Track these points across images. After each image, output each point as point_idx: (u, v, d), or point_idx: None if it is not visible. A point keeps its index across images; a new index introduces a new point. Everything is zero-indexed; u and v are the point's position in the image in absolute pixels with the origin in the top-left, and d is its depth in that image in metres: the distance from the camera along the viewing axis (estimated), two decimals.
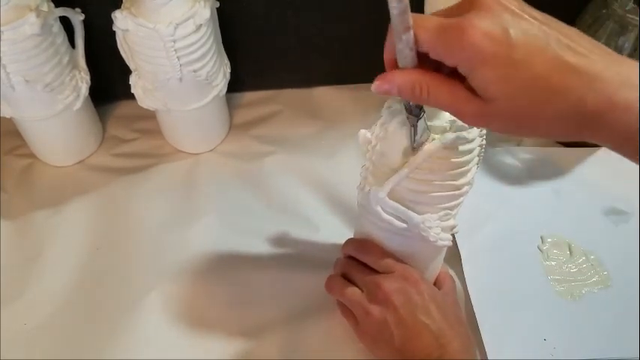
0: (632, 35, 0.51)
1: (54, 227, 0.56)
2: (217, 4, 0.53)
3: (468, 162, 0.37)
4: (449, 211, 0.39)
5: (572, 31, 0.28)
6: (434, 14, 0.30)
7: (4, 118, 0.55)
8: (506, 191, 0.58)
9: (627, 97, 0.26)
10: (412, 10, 0.28)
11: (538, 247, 0.53)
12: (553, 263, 0.52)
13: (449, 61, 0.28)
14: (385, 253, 0.43)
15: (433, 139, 0.35)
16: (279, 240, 0.54)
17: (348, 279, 0.44)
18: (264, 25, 0.62)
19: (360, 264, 0.44)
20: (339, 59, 0.66)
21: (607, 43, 0.49)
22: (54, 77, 0.53)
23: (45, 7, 0.50)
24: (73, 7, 0.54)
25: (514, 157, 0.61)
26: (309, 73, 0.68)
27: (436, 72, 0.30)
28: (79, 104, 0.57)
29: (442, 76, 0.29)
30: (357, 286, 0.43)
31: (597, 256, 0.52)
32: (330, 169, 0.60)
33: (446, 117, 0.36)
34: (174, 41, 0.49)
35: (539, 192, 0.58)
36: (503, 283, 0.50)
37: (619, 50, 0.52)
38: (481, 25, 0.26)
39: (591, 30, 0.53)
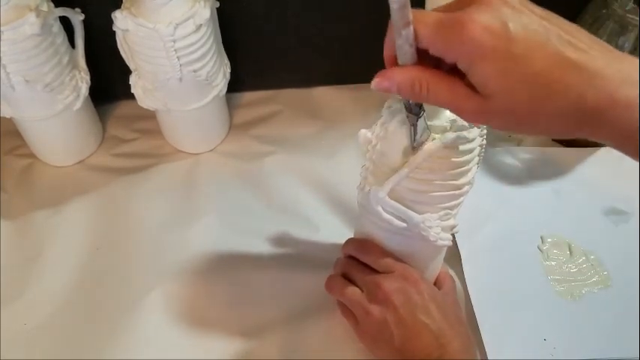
0: (632, 35, 0.51)
1: (54, 227, 0.56)
2: (217, 4, 0.53)
3: (468, 162, 0.37)
4: (449, 211, 0.39)
5: (572, 27, 0.28)
6: (434, 10, 0.30)
7: (4, 118, 0.55)
8: (506, 191, 0.58)
9: (628, 94, 0.26)
10: (412, 7, 0.28)
11: (538, 247, 0.53)
12: (553, 263, 0.52)
13: (448, 57, 0.28)
14: (385, 253, 0.43)
15: (434, 139, 0.35)
16: (279, 240, 0.54)
17: (348, 279, 0.44)
18: (264, 25, 0.62)
19: (360, 264, 0.44)
20: (339, 59, 0.66)
21: (607, 43, 0.49)
22: (54, 77, 0.53)
23: (45, 7, 0.50)
24: (73, 7, 0.54)
25: (514, 157, 0.61)
26: (309, 73, 0.68)
27: (436, 69, 0.29)
28: (79, 104, 0.57)
29: (442, 73, 0.29)
30: (357, 286, 0.43)
31: (597, 256, 0.52)
32: (330, 169, 0.60)
33: (446, 116, 0.36)
34: (174, 41, 0.49)
35: (539, 192, 0.58)
36: (503, 283, 0.50)
37: (619, 50, 0.52)
38: (481, 20, 0.26)
39: (591, 30, 0.53)
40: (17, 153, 0.62)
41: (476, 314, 0.48)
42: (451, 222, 0.40)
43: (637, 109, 0.26)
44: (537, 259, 0.52)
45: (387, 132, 0.37)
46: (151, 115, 0.60)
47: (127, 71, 0.55)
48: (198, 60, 0.52)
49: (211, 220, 0.56)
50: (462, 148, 0.35)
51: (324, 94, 0.68)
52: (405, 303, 0.40)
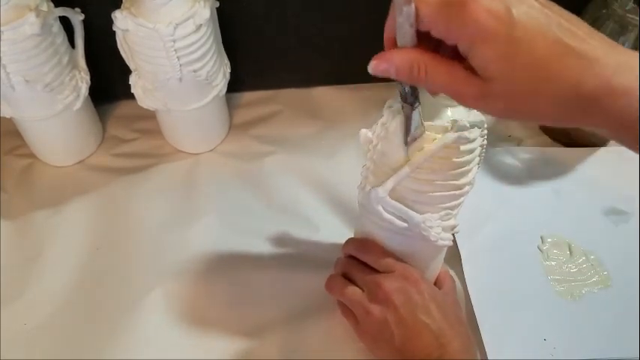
0: (632, 35, 0.51)
1: (54, 227, 0.56)
2: (217, 4, 0.53)
3: (469, 162, 0.37)
4: (450, 211, 0.39)
5: (573, 17, 0.28)
6: None
7: (4, 118, 0.55)
8: (506, 191, 0.58)
9: (625, 82, 0.26)
10: None
11: (538, 247, 0.53)
12: (553, 263, 0.52)
13: (450, 38, 0.28)
14: (386, 253, 0.43)
15: (434, 139, 0.35)
16: (279, 240, 0.54)
17: (348, 278, 0.44)
18: (264, 25, 0.62)
19: (360, 263, 0.44)
20: (339, 59, 0.66)
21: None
22: (54, 77, 0.53)
23: (45, 7, 0.50)
24: (73, 7, 0.54)
25: (514, 157, 0.61)
26: (309, 73, 0.68)
27: (436, 53, 0.29)
28: (79, 104, 0.57)
29: (441, 56, 0.29)
30: (358, 286, 0.43)
31: (597, 256, 0.52)
32: (330, 169, 0.60)
33: (447, 116, 0.36)
34: (174, 41, 0.49)
35: (539, 192, 0.58)
36: (503, 283, 0.50)
37: None
38: (484, 2, 0.26)
39: None
40: (17, 153, 0.62)
41: (476, 314, 0.48)
42: (452, 222, 0.40)
43: (633, 97, 0.26)
44: (537, 259, 0.52)
45: (387, 132, 0.37)
46: (151, 115, 0.60)
47: (127, 71, 0.55)
48: (198, 60, 0.52)
49: (211, 220, 0.56)
50: (462, 148, 0.35)
51: (324, 94, 0.68)
52: (405, 303, 0.40)
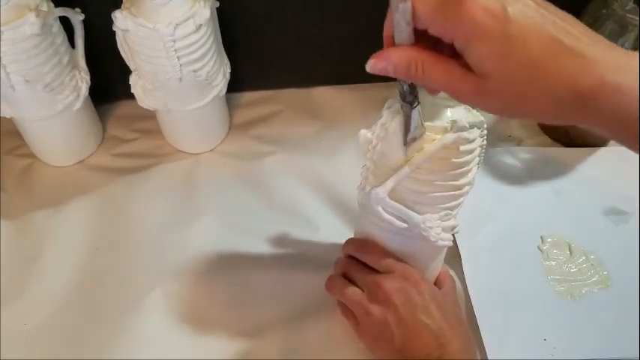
0: (632, 35, 0.51)
1: (54, 227, 0.56)
2: (217, 4, 0.53)
3: (468, 162, 0.37)
4: (449, 211, 0.39)
5: (568, 16, 0.28)
6: None
7: (4, 118, 0.55)
8: (506, 191, 0.58)
9: (620, 80, 0.26)
10: None
11: (538, 247, 0.53)
12: (553, 263, 0.52)
13: (446, 35, 0.28)
14: (386, 253, 0.43)
15: (434, 140, 0.35)
16: (279, 240, 0.54)
17: (348, 279, 0.44)
18: (264, 25, 0.62)
19: (360, 264, 0.44)
20: (339, 59, 0.66)
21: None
22: (54, 77, 0.53)
23: (45, 7, 0.50)
24: (73, 7, 0.54)
25: (514, 157, 0.61)
26: (309, 73, 0.68)
27: (433, 51, 0.29)
28: (79, 104, 0.57)
29: (438, 54, 0.29)
30: (358, 286, 0.43)
31: (597, 256, 0.52)
32: (330, 169, 0.60)
33: (447, 117, 0.36)
34: (174, 41, 0.49)
35: (539, 192, 0.58)
36: (503, 283, 0.50)
37: None
38: (480, 1, 0.26)
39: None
40: (17, 153, 0.62)
41: (476, 314, 0.48)
42: (451, 222, 0.40)
43: (628, 95, 0.26)
44: (537, 259, 0.52)
45: (387, 132, 0.37)
46: (151, 115, 0.60)
47: (127, 71, 0.55)
48: (198, 60, 0.52)
49: (211, 220, 0.56)
50: (462, 148, 0.35)
51: (324, 94, 0.68)
52: (405, 303, 0.40)
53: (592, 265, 0.52)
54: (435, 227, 0.38)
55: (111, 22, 0.50)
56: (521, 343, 0.47)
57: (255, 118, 0.66)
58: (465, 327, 0.42)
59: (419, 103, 0.34)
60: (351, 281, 0.44)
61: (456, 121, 0.35)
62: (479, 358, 0.45)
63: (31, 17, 0.48)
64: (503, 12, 0.26)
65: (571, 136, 0.61)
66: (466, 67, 0.28)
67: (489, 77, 0.27)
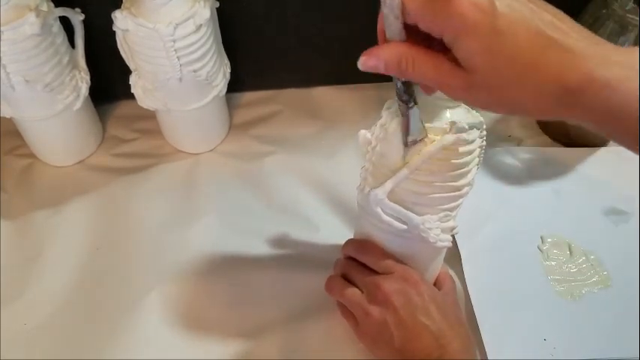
0: (632, 35, 0.51)
1: (54, 227, 0.56)
2: (217, 4, 0.53)
3: (468, 163, 0.37)
4: (449, 212, 0.39)
5: (557, 11, 0.28)
6: None
7: (4, 118, 0.55)
8: (506, 191, 0.58)
9: (608, 75, 0.26)
10: None
11: (538, 247, 0.53)
12: (553, 263, 0.52)
13: (435, 30, 0.28)
14: (385, 254, 0.43)
15: (433, 141, 0.35)
16: (279, 240, 0.54)
17: (348, 280, 0.44)
18: (264, 25, 0.61)
19: (360, 265, 0.44)
20: (339, 59, 0.65)
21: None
22: (54, 77, 0.53)
23: (45, 7, 0.50)
24: (73, 7, 0.54)
25: (514, 157, 0.61)
26: (309, 73, 0.68)
27: (423, 46, 0.29)
28: (79, 104, 0.57)
29: (428, 50, 0.29)
30: (357, 287, 0.43)
31: (597, 256, 0.52)
32: (330, 169, 0.60)
33: (446, 118, 0.36)
34: (174, 41, 0.49)
35: (539, 192, 0.58)
36: (503, 283, 0.50)
37: None
38: None
39: (591, 30, 0.53)
40: (17, 153, 0.62)
41: (476, 314, 0.48)
42: (451, 223, 0.39)
43: (616, 90, 0.26)
44: (537, 259, 0.52)
45: (386, 133, 0.37)
46: (151, 115, 0.60)
47: (127, 71, 0.55)
48: (198, 60, 0.52)
49: (211, 220, 0.56)
50: (461, 149, 0.35)
51: (324, 94, 0.68)
52: (405, 304, 0.40)
53: (592, 265, 0.52)
54: (434, 228, 0.38)
55: (111, 22, 0.50)
56: (521, 343, 0.47)
57: (255, 118, 0.66)
58: (464, 327, 0.42)
59: (416, 103, 0.34)
60: (351, 282, 0.44)
61: (455, 122, 0.35)
62: (479, 358, 0.45)
63: (31, 17, 0.48)
64: (491, 7, 0.26)
65: (571, 136, 0.61)
66: (455, 62, 0.28)
67: (478, 72, 0.28)
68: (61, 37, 0.53)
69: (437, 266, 0.46)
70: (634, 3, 0.50)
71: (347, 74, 0.67)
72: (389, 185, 0.37)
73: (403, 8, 0.28)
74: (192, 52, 0.51)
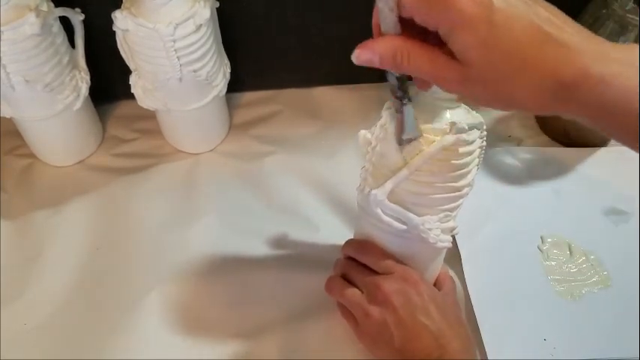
0: (632, 35, 0.51)
1: (54, 227, 0.56)
2: (217, 4, 0.53)
3: (468, 164, 0.37)
4: (449, 213, 0.39)
5: (552, 7, 0.28)
6: None
7: (4, 118, 0.55)
8: (506, 191, 0.58)
9: (603, 70, 0.26)
10: None
11: (538, 247, 0.53)
12: (553, 263, 0.52)
13: (430, 23, 0.28)
14: (385, 254, 0.43)
15: (433, 141, 0.35)
16: (279, 240, 0.54)
17: (347, 280, 0.44)
18: (264, 25, 0.61)
19: (359, 265, 0.44)
20: (339, 59, 0.65)
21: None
22: (54, 77, 0.53)
23: (45, 7, 0.50)
24: (73, 7, 0.54)
25: (514, 157, 0.61)
26: (309, 73, 0.68)
27: (418, 39, 0.29)
28: (79, 104, 0.57)
29: (424, 43, 0.29)
30: (357, 287, 0.43)
31: (597, 256, 0.52)
32: (330, 169, 0.60)
33: (446, 118, 0.36)
34: (174, 41, 0.49)
35: (539, 192, 0.58)
36: (503, 283, 0.50)
37: None
38: None
39: (591, 30, 0.53)
40: (17, 153, 0.62)
41: (476, 314, 0.48)
42: (451, 224, 0.39)
43: (610, 85, 0.26)
44: (537, 259, 0.52)
45: (386, 133, 0.37)
46: (151, 115, 0.60)
47: (127, 71, 0.55)
48: (198, 60, 0.52)
49: (211, 220, 0.56)
50: (461, 150, 0.35)
51: (324, 94, 0.68)
52: (404, 304, 0.40)
53: (592, 265, 0.52)
54: (434, 229, 0.38)
55: (111, 22, 0.50)
56: (521, 343, 0.47)
57: (255, 118, 0.66)
58: (464, 327, 0.42)
59: (410, 100, 0.34)
60: (351, 282, 0.44)
61: (455, 122, 0.35)
62: (479, 358, 0.45)
63: (31, 17, 0.48)
64: (488, 1, 0.26)
65: (571, 136, 0.61)
66: (451, 55, 0.28)
67: (473, 65, 0.28)
68: (61, 37, 0.53)
69: (437, 266, 0.46)
70: (634, 3, 0.50)
71: (347, 74, 0.67)
72: (389, 186, 0.37)
73: (398, 1, 0.28)
74: (192, 52, 0.51)
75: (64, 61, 0.54)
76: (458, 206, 0.39)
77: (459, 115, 0.37)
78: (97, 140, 0.63)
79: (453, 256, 0.52)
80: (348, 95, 0.68)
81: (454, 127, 0.35)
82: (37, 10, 0.49)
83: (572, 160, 0.60)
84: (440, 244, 0.39)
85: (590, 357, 0.46)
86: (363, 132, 0.39)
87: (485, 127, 0.37)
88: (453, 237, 0.42)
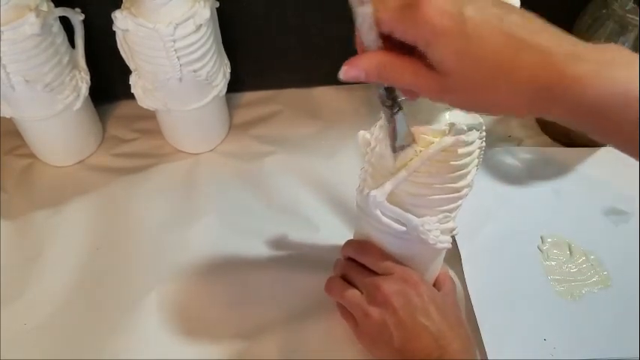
0: (632, 35, 0.51)
1: (54, 227, 0.56)
2: (217, 4, 0.53)
3: (467, 165, 0.37)
4: (448, 214, 0.39)
5: (526, 13, 0.28)
6: None
7: (4, 118, 0.55)
8: (506, 191, 0.58)
9: (579, 71, 0.26)
10: None
11: (538, 247, 0.53)
12: (553, 263, 0.52)
13: (408, 38, 0.28)
14: (385, 255, 0.43)
15: (432, 142, 0.35)
16: (279, 240, 0.54)
17: (347, 281, 0.44)
18: (264, 25, 0.61)
19: (359, 266, 0.44)
20: (339, 59, 0.65)
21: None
22: (54, 77, 0.53)
23: (45, 7, 0.50)
24: (73, 7, 0.54)
25: (514, 157, 0.61)
26: (309, 73, 0.68)
27: (399, 53, 0.30)
28: (79, 104, 0.57)
29: (405, 56, 0.30)
30: (357, 288, 0.43)
31: (597, 256, 0.52)
32: (330, 169, 0.60)
33: (445, 119, 0.36)
34: (174, 41, 0.49)
35: (539, 192, 0.58)
36: (503, 283, 0.50)
37: None
38: (436, 3, 0.27)
39: (591, 30, 0.53)
40: (17, 153, 0.62)
41: (476, 314, 0.48)
42: (450, 225, 0.39)
43: (586, 85, 0.26)
44: (537, 259, 0.52)
45: (385, 134, 0.37)
46: (151, 115, 0.60)
47: (127, 71, 0.55)
48: (198, 60, 0.52)
49: (211, 220, 0.56)
50: (460, 151, 0.35)
51: (324, 94, 0.68)
52: (404, 305, 0.40)
53: (592, 265, 0.52)
54: (433, 230, 0.38)
55: (111, 22, 0.50)
56: (521, 343, 0.47)
57: (255, 118, 0.66)
58: (464, 328, 0.42)
59: (400, 108, 0.34)
60: (351, 283, 0.44)
61: (454, 123, 0.35)
62: (479, 358, 0.45)
63: (31, 17, 0.48)
64: (458, 12, 0.27)
65: (571, 136, 0.61)
66: (430, 65, 0.29)
67: (450, 75, 0.28)
68: (61, 37, 0.53)
69: (437, 267, 0.46)
70: (634, 3, 0.50)
71: None
72: (388, 187, 0.37)
73: (376, 19, 0.29)
74: (192, 52, 0.51)
75: (64, 61, 0.54)
76: (457, 207, 0.39)
77: (458, 116, 0.37)
78: (97, 140, 0.63)
79: (453, 256, 0.52)
80: (348, 95, 0.68)
81: (453, 129, 0.35)
82: (37, 10, 0.49)
83: (572, 160, 0.60)
84: (439, 245, 0.39)
85: (590, 357, 0.46)
86: (362, 132, 0.39)
87: (484, 127, 0.37)
88: (453, 237, 0.42)
